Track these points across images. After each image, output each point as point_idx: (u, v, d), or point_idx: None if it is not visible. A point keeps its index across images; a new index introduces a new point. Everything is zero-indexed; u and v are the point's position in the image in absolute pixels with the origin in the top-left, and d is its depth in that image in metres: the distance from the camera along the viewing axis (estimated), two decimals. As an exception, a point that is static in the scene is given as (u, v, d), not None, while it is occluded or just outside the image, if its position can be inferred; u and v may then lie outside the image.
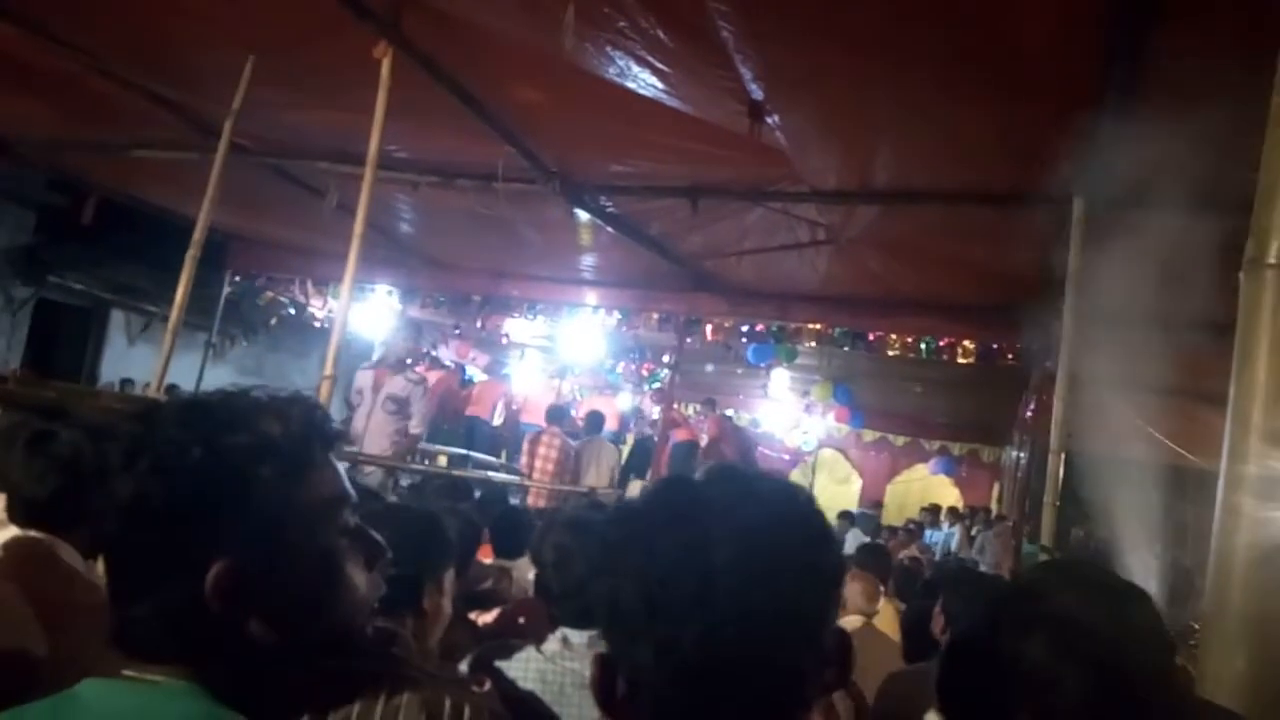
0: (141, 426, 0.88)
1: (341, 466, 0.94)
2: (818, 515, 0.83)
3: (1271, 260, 0.81)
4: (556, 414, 8.78)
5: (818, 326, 7.69)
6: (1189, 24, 2.89)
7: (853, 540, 11.09)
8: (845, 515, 13.06)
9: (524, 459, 8.45)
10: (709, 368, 11.74)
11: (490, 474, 8.11)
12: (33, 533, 1.79)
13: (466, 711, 1.57)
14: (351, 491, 0.94)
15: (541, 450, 8.10)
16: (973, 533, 11.63)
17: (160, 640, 0.84)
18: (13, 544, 1.77)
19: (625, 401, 12.70)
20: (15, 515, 1.82)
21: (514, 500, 6.04)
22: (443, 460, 9.33)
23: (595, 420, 9.03)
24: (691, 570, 0.74)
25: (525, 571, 3.33)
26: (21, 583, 1.70)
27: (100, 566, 2.31)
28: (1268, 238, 0.82)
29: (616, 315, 8.47)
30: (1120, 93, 3.31)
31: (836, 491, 15.71)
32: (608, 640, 0.80)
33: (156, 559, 0.84)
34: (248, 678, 0.85)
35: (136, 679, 0.84)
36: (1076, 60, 3.21)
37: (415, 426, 6.35)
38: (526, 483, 7.73)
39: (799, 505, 0.82)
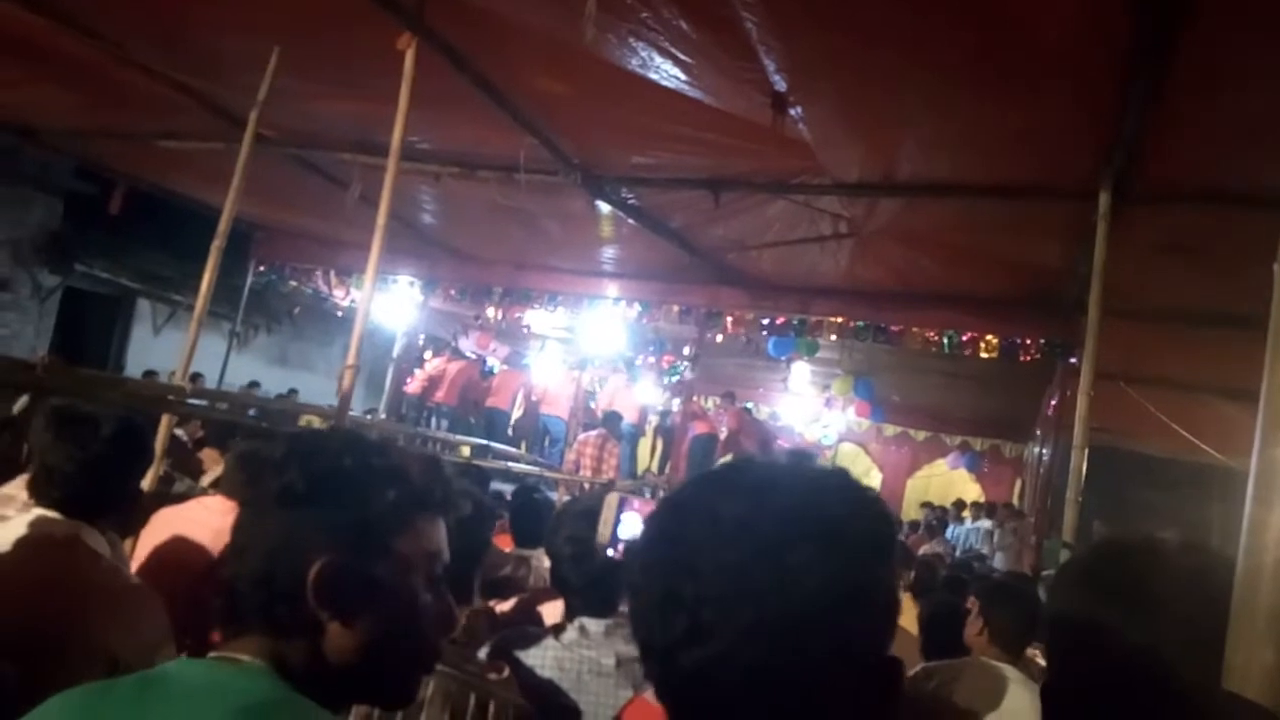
0: (319, 439, 1.06)
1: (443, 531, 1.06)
2: (882, 520, 0.75)
3: (1304, 253, 0.80)
4: (613, 418, 10.05)
5: (839, 320, 7.63)
6: (1215, 16, 2.85)
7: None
8: None
9: (573, 456, 9.45)
10: (727, 365, 11.72)
11: (510, 465, 8.17)
12: (56, 514, 1.81)
13: (491, 707, 1.58)
14: (446, 554, 1.05)
15: (590, 450, 9.13)
16: (991, 526, 11.57)
17: (258, 612, 0.94)
18: (37, 524, 1.78)
19: (646, 393, 12.66)
20: (41, 497, 1.83)
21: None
22: (465, 451, 9.40)
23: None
24: (713, 581, 0.69)
25: (544, 560, 3.34)
26: (43, 562, 1.72)
27: (123, 550, 2.34)
28: (1300, 230, 0.81)
29: (637, 307, 8.48)
30: (1146, 86, 3.26)
31: (856, 486, 15.60)
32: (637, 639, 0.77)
33: (280, 540, 0.95)
34: (319, 670, 0.94)
35: (221, 658, 0.93)
36: (1101, 53, 3.17)
37: None
38: (547, 474, 7.82)
39: (855, 509, 0.73)
